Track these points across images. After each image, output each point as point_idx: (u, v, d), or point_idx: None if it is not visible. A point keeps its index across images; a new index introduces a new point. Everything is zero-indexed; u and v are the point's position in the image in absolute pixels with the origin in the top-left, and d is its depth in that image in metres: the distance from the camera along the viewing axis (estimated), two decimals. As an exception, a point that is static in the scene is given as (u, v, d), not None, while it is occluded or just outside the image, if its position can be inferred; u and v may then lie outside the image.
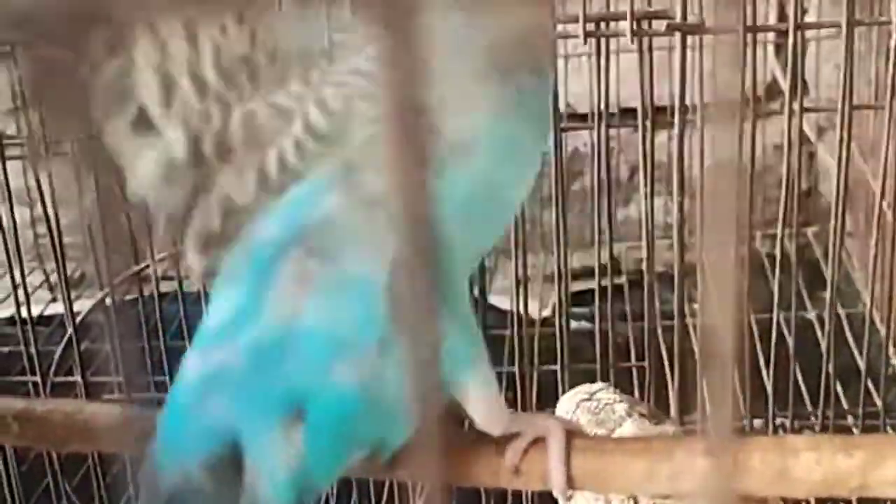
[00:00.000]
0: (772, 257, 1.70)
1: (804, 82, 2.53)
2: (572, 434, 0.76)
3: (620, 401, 1.24)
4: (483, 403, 0.74)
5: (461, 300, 0.72)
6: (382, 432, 0.70)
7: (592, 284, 1.77)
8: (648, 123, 1.63)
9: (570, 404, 1.26)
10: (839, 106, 1.58)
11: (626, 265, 2.33)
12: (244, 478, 0.65)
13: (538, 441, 0.75)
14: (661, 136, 2.01)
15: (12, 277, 1.65)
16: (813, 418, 1.71)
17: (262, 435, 0.66)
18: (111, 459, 1.51)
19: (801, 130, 1.64)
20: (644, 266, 1.68)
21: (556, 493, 0.77)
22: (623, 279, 2.22)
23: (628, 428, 1.21)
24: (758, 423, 1.69)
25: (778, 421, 1.70)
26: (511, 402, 1.69)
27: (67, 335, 1.58)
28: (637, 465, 0.76)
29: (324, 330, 0.65)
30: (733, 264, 0.38)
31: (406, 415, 0.69)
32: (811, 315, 1.99)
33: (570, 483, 0.75)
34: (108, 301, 1.45)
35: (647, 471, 0.75)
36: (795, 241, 1.77)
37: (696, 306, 1.84)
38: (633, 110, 2.03)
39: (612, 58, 1.71)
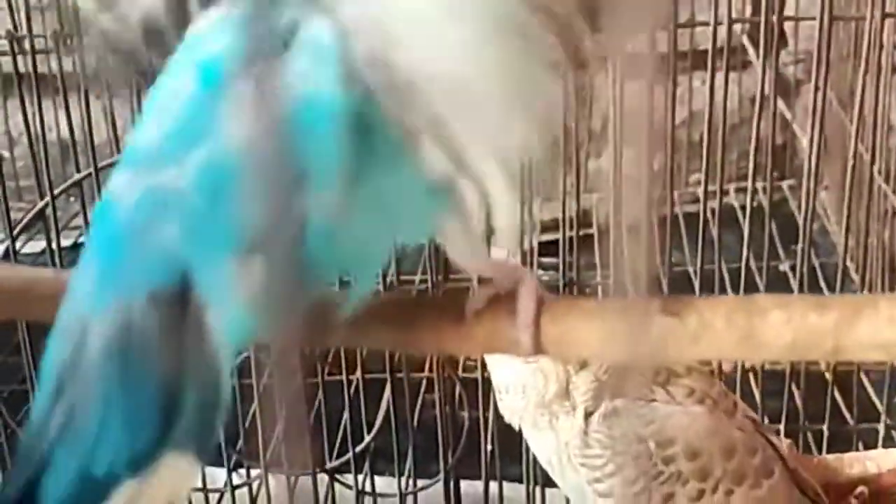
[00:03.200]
0: (745, 209, 1.66)
1: (782, 33, 2.49)
2: (543, 296, 0.70)
3: None
4: (458, 240, 0.69)
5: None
6: (343, 269, 0.65)
7: (559, 235, 1.72)
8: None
9: None
10: (815, 55, 1.53)
11: (598, 217, 2.28)
12: (192, 313, 0.59)
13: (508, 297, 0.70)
14: (634, 86, 1.95)
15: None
16: (787, 372, 1.67)
17: (214, 267, 0.59)
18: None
19: (775, 83, 1.59)
20: (611, 217, 1.64)
21: (520, 355, 0.73)
22: (594, 231, 2.17)
23: None
24: (727, 366, 1.66)
25: (748, 365, 1.66)
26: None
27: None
28: (597, 328, 0.70)
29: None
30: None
31: (371, 259, 0.66)
32: (784, 266, 1.96)
33: (539, 351, 0.70)
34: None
35: (608, 335, 0.69)
36: (769, 194, 1.74)
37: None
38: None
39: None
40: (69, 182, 1.55)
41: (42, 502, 0.57)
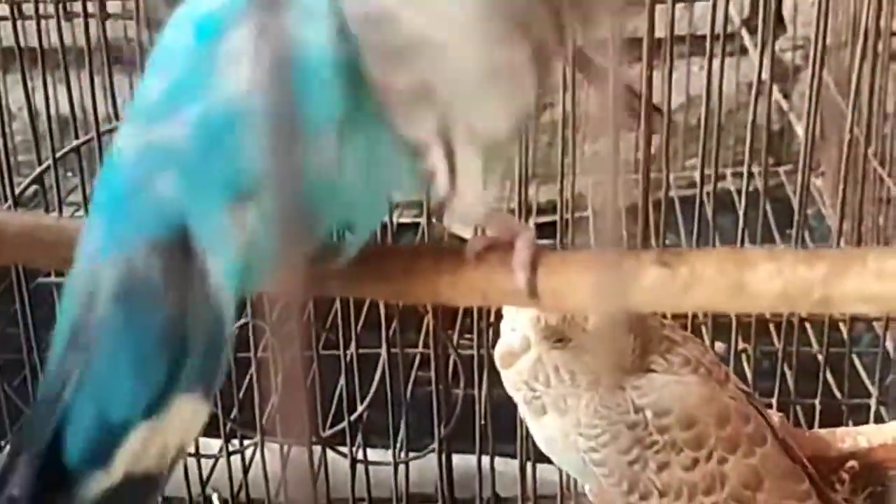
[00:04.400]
0: (742, 193, 1.67)
1: (780, 19, 2.49)
2: (539, 247, 0.71)
3: None
4: (469, 200, 0.71)
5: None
6: (338, 221, 0.67)
7: (556, 217, 1.73)
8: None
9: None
10: (813, 40, 1.54)
11: (593, 202, 2.29)
12: (193, 263, 0.61)
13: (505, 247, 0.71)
14: (634, 70, 1.96)
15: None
16: (779, 353, 1.68)
17: (211, 216, 0.61)
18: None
19: (772, 69, 1.60)
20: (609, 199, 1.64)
21: (517, 303, 0.74)
22: (589, 213, 2.18)
23: None
24: (720, 346, 1.67)
25: (740, 346, 1.67)
26: (469, 329, 1.66)
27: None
28: (591, 280, 0.71)
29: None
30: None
31: (364, 210, 0.67)
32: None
33: (534, 294, 0.71)
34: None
35: (600, 284, 0.70)
36: (765, 177, 1.75)
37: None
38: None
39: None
40: (69, 147, 1.56)
41: (63, 450, 0.59)
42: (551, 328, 1.22)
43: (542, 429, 1.27)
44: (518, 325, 1.24)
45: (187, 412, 0.61)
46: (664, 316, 1.32)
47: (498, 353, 1.26)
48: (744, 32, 2.33)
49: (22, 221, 0.82)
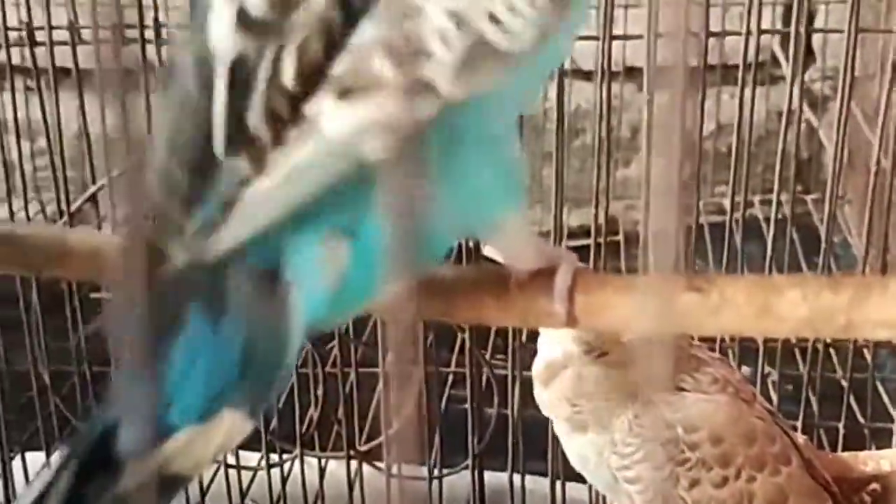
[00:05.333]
0: (770, 221, 1.71)
1: (810, 51, 2.54)
2: (580, 270, 0.76)
3: None
4: (517, 240, 0.76)
5: (507, 142, 0.72)
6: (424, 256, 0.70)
7: (588, 241, 1.78)
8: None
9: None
10: (842, 71, 1.58)
11: (623, 225, 2.34)
12: (277, 293, 0.65)
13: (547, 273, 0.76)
14: (664, 97, 2.00)
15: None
16: (804, 377, 1.72)
17: (304, 251, 0.65)
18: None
19: (801, 98, 1.65)
20: (641, 225, 1.69)
21: (555, 326, 0.79)
22: (620, 237, 2.23)
23: None
24: (747, 370, 1.71)
25: (766, 370, 1.71)
26: (502, 349, 1.71)
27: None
28: (627, 302, 0.76)
29: None
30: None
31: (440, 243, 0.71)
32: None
33: (573, 322, 0.76)
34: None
35: (634, 308, 0.75)
36: (792, 205, 1.79)
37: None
38: (637, 69, 2.04)
39: (619, 13, 1.71)
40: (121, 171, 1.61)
41: (116, 441, 0.63)
42: (592, 342, 1.26)
43: (578, 447, 1.32)
44: (560, 340, 1.28)
45: (231, 426, 0.65)
46: (692, 336, 1.36)
47: (538, 368, 1.30)
48: (778, 51, 2.36)
49: (90, 240, 0.88)
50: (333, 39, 0.65)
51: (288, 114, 0.64)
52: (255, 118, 0.65)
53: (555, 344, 1.29)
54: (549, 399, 1.31)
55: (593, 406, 1.28)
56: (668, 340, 0.48)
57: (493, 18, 0.66)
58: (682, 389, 1.26)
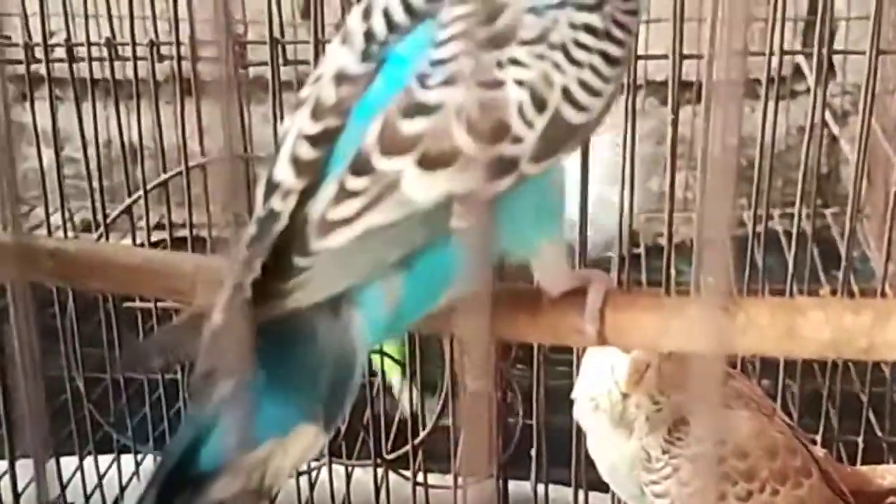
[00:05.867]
0: (789, 235, 1.74)
1: (831, 65, 2.56)
2: (610, 290, 0.81)
3: None
4: (552, 265, 0.81)
5: (556, 182, 0.78)
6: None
7: (609, 253, 1.80)
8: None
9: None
10: (863, 90, 1.60)
11: (645, 238, 2.36)
12: (342, 319, 0.72)
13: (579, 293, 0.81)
14: (684, 112, 2.03)
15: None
16: (824, 390, 1.75)
17: (367, 286, 0.73)
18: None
19: (823, 113, 1.67)
20: (665, 236, 1.71)
21: (585, 344, 0.86)
22: (641, 250, 2.26)
23: None
24: (767, 383, 1.74)
25: (786, 384, 1.74)
26: (526, 360, 1.74)
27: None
28: (651, 320, 0.80)
29: None
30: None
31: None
32: (825, 290, 2.02)
33: (603, 341, 0.81)
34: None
35: (661, 327, 0.79)
36: (812, 220, 1.81)
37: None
38: (658, 83, 2.06)
39: (641, 28, 1.73)
40: (159, 180, 1.66)
41: (198, 457, 0.69)
42: None
43: (609, 456, 1.35)
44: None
45: (308, 439, 0.72)
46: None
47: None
48: (804, 64, 2.38)
49: (132, 255, 0.93)
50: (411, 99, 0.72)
51: (366, 170, 0.71)
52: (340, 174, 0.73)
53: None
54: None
55: (671, 402, 1.29)
56: (720, 359, 0.51)
57: (568, 95, 0.72)
58: None
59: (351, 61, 0.77)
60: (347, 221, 0.71)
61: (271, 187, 0.75)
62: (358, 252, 0.72)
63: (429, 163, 0.71)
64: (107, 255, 0.96)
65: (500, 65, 0.73)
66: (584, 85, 0.74)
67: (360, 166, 0.72)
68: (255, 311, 0.69)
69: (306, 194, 0.73)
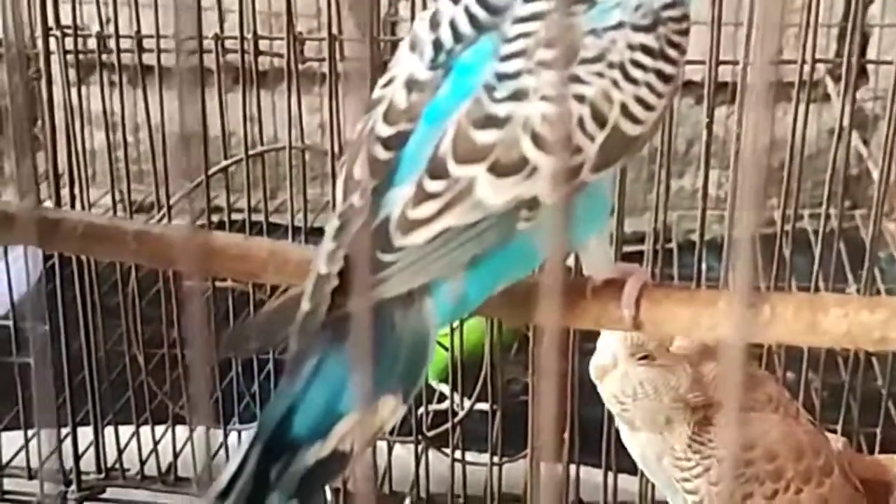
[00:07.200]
0: (818, 235, 1.80)
1: (864, 71, 2.62)
2: (647, 283, 0.90)
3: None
4: (598, 256, 0.91)
5: (607, 183, 0.87)
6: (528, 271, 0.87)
7: (642, 247, 1.88)
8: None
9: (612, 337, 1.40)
10: (890, 95, 1.67)
11: (677, 235, 2.44)
12: (418, 305, 0.82)
13: (619, 284, 0.91)
14: (718, 112, 2.10)
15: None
16: (847, 386, 1.82)
17: (445, 280, 0.82)
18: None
19: (851, 116, 1.74)
20: (697, 233, 1.79)
21: (622, 329, 0.97)
22: (673, 245, 2.33)
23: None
24: (791, 376, 1.81)
25: (809, 377, 1.81)
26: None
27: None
28: (684, 311, 0.89)
29: None
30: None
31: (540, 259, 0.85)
32: (851, 289, 2.09)
33: (638, 326, 0.90)
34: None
35: (692, 318, 0.88)
36: (839, 220, 1.88)
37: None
38: (694, 83, 2.13)
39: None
40: (219, 167, 1.75)
41: (291, 428, 0.78)
42: (637, 346, 1.36)
43: (638, 445, 1.42)
44: (609, 343, 1.39)
45: (389, 408, 0.80)
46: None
47: (592, 366, 1.41)
48: (828, 80, 2.45)
49: (212, 239, 1.02)
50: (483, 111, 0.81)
51: (442, 174, 0.80)
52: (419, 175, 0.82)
53: (607, 345, 1.39)
54: (603, 396, 1.42)
55: (639, 406, 1.37)
56: (743, 351, 0.56)
57: (625, 110, 0.80)
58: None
59: (420, 68, 0.85)
60: (427, 221, 0.80)
61: (351, 184, 0.84)
62: (437, 249, 0.80)
63: (499, 170, 0.80)
64: (188, 238, 1.04)
65: (563, 82, 0.81)
66: (639, 101, 0.83)
67: (437, 170, 0.81)
68: (343, 299, 0.78)
69: (379, 192, 0.82)
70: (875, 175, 2.49)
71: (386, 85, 0.87)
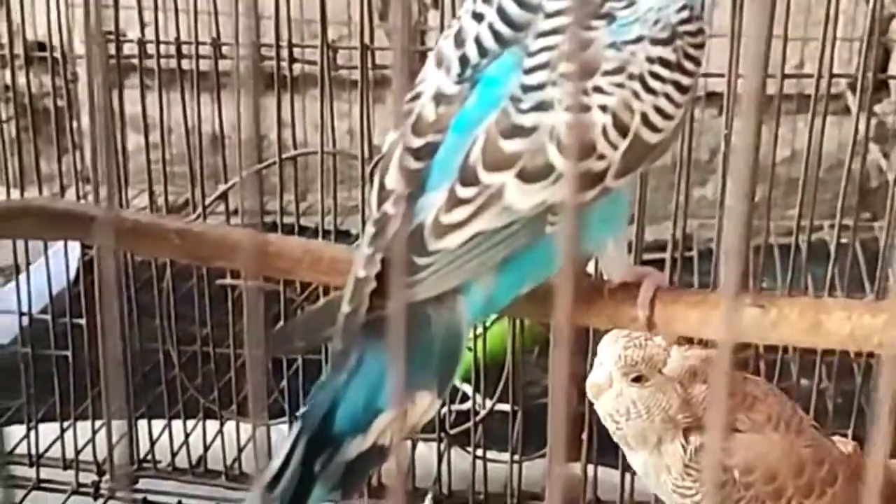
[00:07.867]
0: (836, 245, 1.84)
1: (885, 85, 2.66)
2: (662, 284, 0.96)
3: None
4: (615, 258, 0.96)
5: (628, 189, 0.93)
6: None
7: (663, 255, 1.92)
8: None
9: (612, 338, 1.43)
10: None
11: (697, 243, 2.48)
12: (451, 304, 0.87)
13: (634, 286, 0.96)
14: (739, 123, 2.13)
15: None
16: (863, 396, 1.86)
17: (476, 283, 0.88)
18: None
19: (867, 129, 1.78)
20: (714, 242, 1.83)
21: (636, 329, 1.04)
22: (694, 253, 2.37)
23: (673, 354, 1.41)
24: (805, 383, 1.85)
25: (823, 385, 1.85)
26: (577, 350, 1.86)
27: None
28: (694, 313, 0.94)
29: None
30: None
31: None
32: (867, 298, 2.13)
33: (651, 326, 0.95)
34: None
35: (702, 318, 0.94)
36: (854, 231, 1.92)
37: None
38: (717, 94, 2.18)
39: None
40: (253, 168, 1.80)
41: (334, 422, 0.83)
42: (630, 366, 1.39)
43: (638, 462, 1.45)
44: (605, 362, 1.42)
45: (425, 403, 0.85)
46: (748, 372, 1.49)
47: (588, 385, 1.43)
48: (848, 94, 2.48)
49: (216, 233, 1.08)
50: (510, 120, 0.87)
51: (473, 181, 0.85)
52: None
53: (602, 365, 1.42)
54: (599, 414, 1.45)
55: (632, 425, 1.40)
56: (731, 351, 0.58)
57: (646, 120, 0.86)
58: (737, 430, 1.39)
59: (447, 83, 0.91)
60: (459, 225, 0.86)
61: (384, 193, 0.89)
62: (469, 252, 0.86)
63: (527, 176, 0.85)
64: (226, 235, 1.10)
65: (585, 93, 0.86)
66: (658, 110, 0.88)
67: (468, 177, 0.86)
68: (381, 301, 0.83)
69: (412, 199, 0.88)
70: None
71: (413, 99, 0.92)
